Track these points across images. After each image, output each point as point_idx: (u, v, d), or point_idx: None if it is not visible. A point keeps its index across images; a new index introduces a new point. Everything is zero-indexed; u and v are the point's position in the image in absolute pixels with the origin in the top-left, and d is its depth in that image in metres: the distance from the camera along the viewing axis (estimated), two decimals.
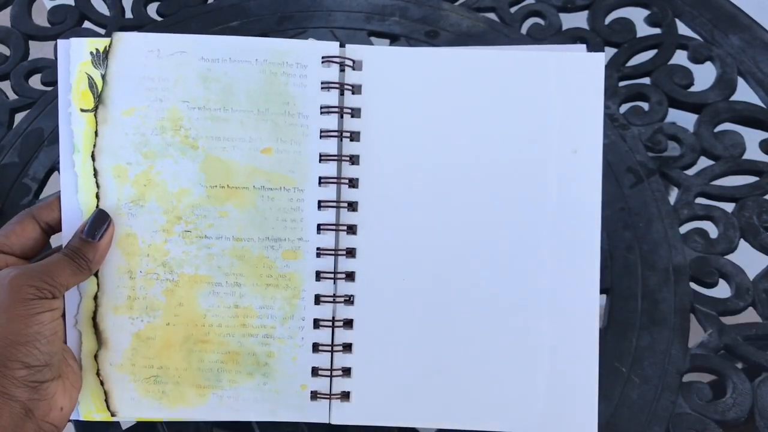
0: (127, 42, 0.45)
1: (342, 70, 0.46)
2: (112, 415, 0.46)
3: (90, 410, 0.46)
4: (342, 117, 0.46)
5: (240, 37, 0.46)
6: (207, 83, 0.45)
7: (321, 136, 0.46)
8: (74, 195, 0.45)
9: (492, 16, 0.68)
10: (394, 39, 0.67)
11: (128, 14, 0.71)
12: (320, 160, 0.46)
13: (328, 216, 0.46)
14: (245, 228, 0.46)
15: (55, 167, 0.60)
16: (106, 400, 0.46)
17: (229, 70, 0.45)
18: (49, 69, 0.66)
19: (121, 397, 0.46)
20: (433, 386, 0.46)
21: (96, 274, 0.45)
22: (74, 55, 0.45)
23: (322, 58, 0.46)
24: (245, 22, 0.68)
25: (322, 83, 0.46)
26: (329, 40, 0.47)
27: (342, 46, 0.46)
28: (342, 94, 0.46)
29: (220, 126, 0.45)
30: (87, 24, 0.70)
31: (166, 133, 0.45)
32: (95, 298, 0.46)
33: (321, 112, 0.46)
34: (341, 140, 0.46)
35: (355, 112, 0.46)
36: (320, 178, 0.46)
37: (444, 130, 0.46)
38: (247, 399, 0.46)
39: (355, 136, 0.46)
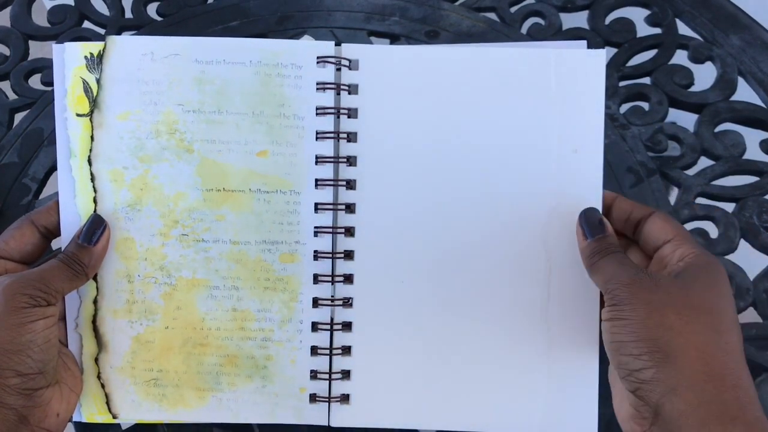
0: (121, 45, 0.45)
1: (338, 70, 0.46)
2: (114, 417, 0.47)
3: (92, 412, 0.46)
4: (338, 118, 0.46)
5: (234, 38, 0.46)
6: (201, 86, 0.45)
7: (317, 138, 0.45)
8: (72, 199, 0.45)
9: (492, 16, 0.68)
10: (394, 39, 0.66)
11: (128, 14, 0.71)
12: (316, 162, 0.45)
13: (325, 219, 0.46)
14: (242, 231, 0.46)
15: (54, 167, 0.60)
16: (108, 403, 0.46)
17: (224, 72, 0.45)
18: (48, 69, 0.66)
19: (122, 400, 0.46)
20: (433, 388, 0.46)
21: (95, 278, 0.45)
22: (69, 60, 0.45)
23: (318, 58, 0.45)
24: (245, 22, 0.68)
25: (317, 84, 0.45)
26: (329, 40, 0.47)
27: (338, 45, 0.46)
28: (338, 94, 0.46)
29: (215, 129, 0.45)
30: (87, 24, 0.70)
31: (162, 137, 0.45)
32: (95, 301, 0.46)
33: (317, 114, 0.45)
34: (338, 141, 0.46)
35: (352, 113, 0.46)
36: (317, 180, 0.46)
37: (443, 130, 0.46)
38: (247, 402, 0.46)
39: (352, 137, 0.46)
